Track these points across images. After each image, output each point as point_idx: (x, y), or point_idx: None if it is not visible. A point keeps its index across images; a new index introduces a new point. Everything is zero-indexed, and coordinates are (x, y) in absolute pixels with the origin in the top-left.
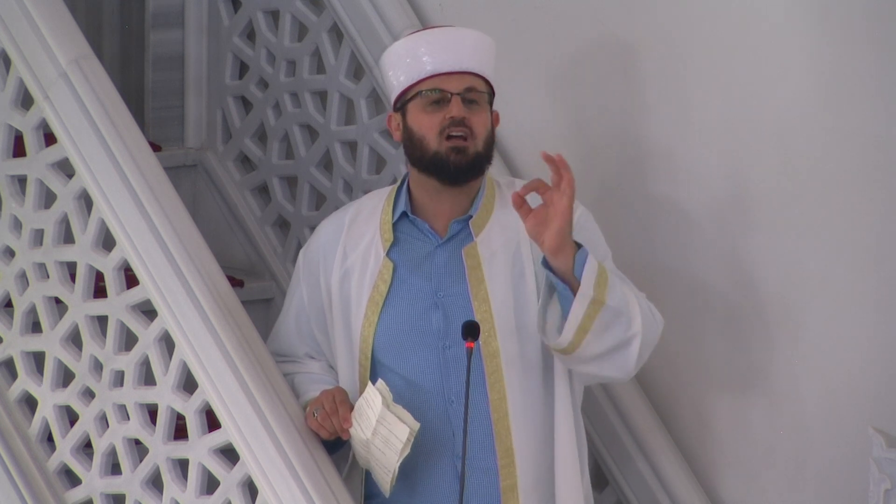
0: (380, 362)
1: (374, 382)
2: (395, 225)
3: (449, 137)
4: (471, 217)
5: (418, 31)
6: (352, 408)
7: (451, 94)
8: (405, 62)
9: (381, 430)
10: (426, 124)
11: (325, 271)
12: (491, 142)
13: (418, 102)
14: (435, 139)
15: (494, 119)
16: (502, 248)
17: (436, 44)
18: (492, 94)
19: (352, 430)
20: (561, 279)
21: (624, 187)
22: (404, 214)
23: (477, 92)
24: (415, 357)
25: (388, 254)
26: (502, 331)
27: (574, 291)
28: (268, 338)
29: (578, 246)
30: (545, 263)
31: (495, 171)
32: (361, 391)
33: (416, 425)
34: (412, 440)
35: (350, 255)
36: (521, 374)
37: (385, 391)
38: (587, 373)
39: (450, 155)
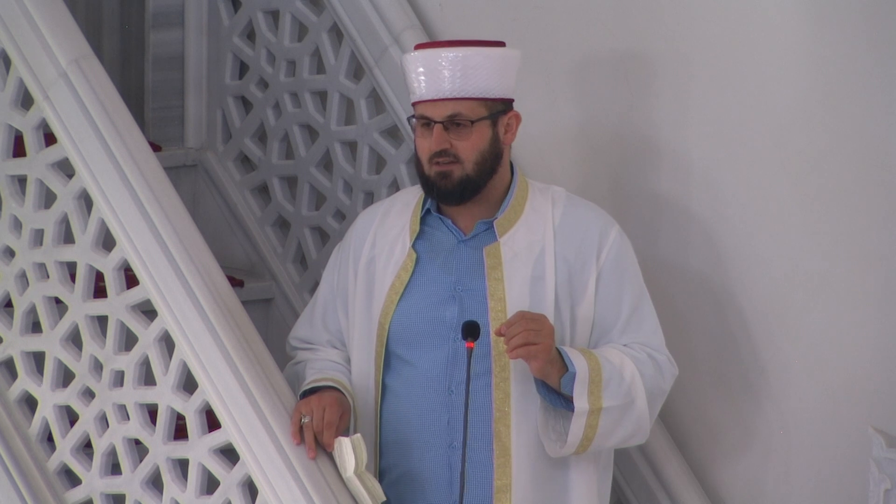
0: (393, 351)
1: (385, 372)
2: (423, 219)
3: (436, 164)
4: (496, 219)
5: (422, 46)
6: (338, 431)
7: (434, 122)
8: (410, 77)
9: (352, 485)
10: (420, 148)
11: (355, 257)
12: (488, 159)
13: (417, 123)
14: (426, 164)
15: (513, 121)
16: (525, 251)
17: (422, 69)
18: (498, 106)
19: (333, 454)
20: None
21: (626, 186)
22: (430, 210)
23: (462, 118)
24: (426, 346)
25: (413, 245)
26: None
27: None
28: (277, 338)
29: (565, 361)
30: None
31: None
32: (377, 378)
33: (380, 499)
34: None
35: (379, 243)
36: (529, 376)
37: (360, 450)
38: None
39: (438, 180)
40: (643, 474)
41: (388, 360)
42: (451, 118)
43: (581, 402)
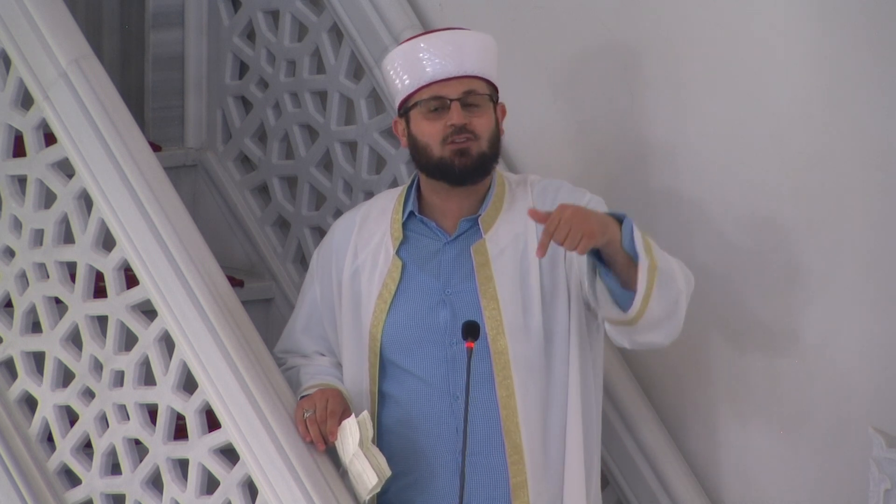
0: (388, 359)
1: (381, 380)
2: (404, 224)
3: (452, 143)
4: (480, 215)
5: (416, 35)
6: (341, 420)
7: (451, 100)
8: (406, 67)
9: (357, 464)
10: (428, 132)
11: (337, 268)
12: (496, 140)
13: (420, 110)
14: (438, 146)
15: (501, 113)
16: (511, 246)
17: (432, 49)
18: (495, 92)
19: (336, 443)
20: (603, 259)
21: (626, 185)
22: (413, 213)
23: (477, 95)
24: (422, 353)
25: (397, 252)
26: (510, 328)
27: (616, 265)
28: (277, 338)
29: (617, 220)
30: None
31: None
32: (372, 389)
33: (387, 475)
34: (382, 484)
35: (361, 253)
36: (529, 371)
37: (366, 427)
38: (639, 341)
39: (454, 158)
40: (643, 474)
41: (384, 368)
42: (467, 95)
43: (643, 253)
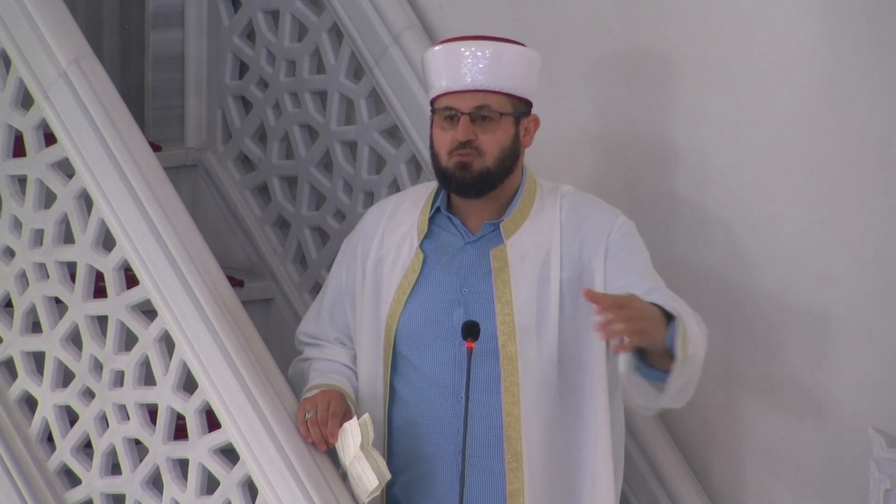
0: (400, 353)
1: (394, 374)
2: (431, 218)
3: (457, 156)
4: (502, 221)
5: (457, 39)
6: (342, 422)
7: (460, 113)
8: (440, 69)
9: (357, 466)
10: (440, 140)
11: (363, 254)
12: (508, 156)
13: (437, 117)
14: (445, 156)
15: (532, 125)
16: (532, 252)
17: (450, 60)
18: (521, 107)
19: (336, 444)
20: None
21: (624, 185)
22: (440, 209)
23: (490, 110)
24: (432, 349)
25: (421, 245)
26: (522, 334)
27: (653, 354)
28: (277, 338)
29: (667, 316)
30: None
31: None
32: (385, 378)
33: (387, 477)
34: (381, 487)
35: (387, 241)
36: (538, 379)
37: (367, 430)
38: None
39: (455, 171)
40: (643, 474)
41: (395, 363)
42: (479, 110)
43: (679, 352)
